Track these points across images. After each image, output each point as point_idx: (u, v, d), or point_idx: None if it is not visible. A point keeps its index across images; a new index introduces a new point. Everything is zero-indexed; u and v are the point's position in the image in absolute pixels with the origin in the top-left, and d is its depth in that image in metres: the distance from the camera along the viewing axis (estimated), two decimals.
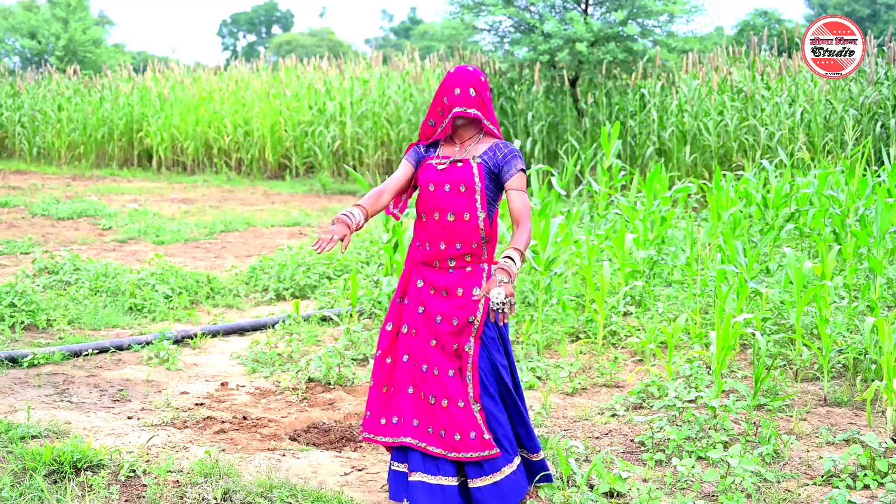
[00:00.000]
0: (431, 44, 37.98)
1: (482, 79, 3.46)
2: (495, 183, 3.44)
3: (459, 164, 3.43)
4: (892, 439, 4.00)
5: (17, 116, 17.61)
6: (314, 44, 46.17)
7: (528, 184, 11.90)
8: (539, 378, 5.11)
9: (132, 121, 16.59)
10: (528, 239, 3.32)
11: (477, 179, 3.40)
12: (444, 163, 3.45)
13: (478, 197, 3.40)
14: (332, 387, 4.97)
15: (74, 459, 3.69)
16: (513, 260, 3.22)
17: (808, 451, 4.00)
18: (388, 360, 3.54)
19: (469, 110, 3.40)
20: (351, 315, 6.05)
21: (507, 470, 3.40)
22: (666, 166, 11.66)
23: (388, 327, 3.56)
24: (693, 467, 3.72)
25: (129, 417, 4.49)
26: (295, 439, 4.25)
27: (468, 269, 3.43)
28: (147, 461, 3.85)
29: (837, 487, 3.61)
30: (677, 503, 3.47)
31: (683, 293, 6.17)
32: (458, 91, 3.41)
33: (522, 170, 3.40)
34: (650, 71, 12.54)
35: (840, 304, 5.54)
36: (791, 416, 4.44)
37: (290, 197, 13.20)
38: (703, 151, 11.85)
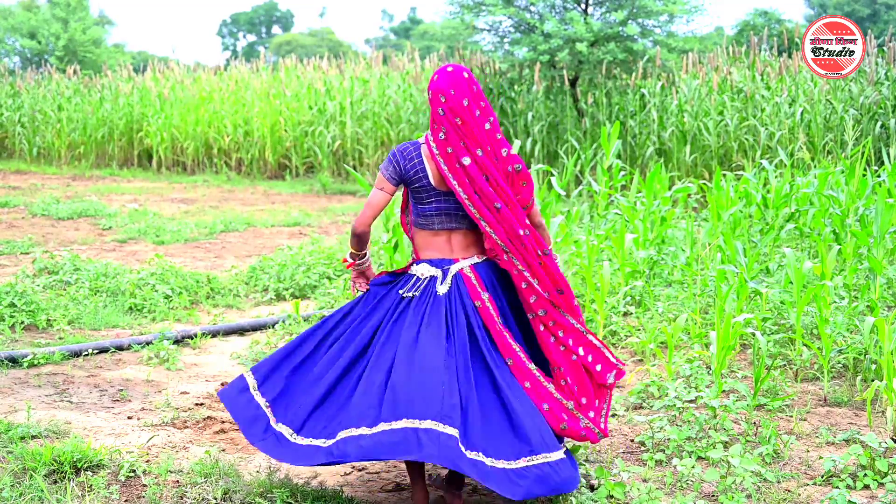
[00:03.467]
0: (431, 44, 37.99)
1: None
2: None
3: None
4: (892, 439, 4.00)
5: (17, 116, 17.58)
6: (314, 44, 46.20)
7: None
8: None
9: (132, 121, 16.57)
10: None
11: None
12: None
13: None
14: None
15: (74, 459, 3.69)
16: None
17: (808, 451, 4.00)
18: None
19: None
20: None
21: None
22: (666, 166, 11.65)
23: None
24: (693, 467, 3.72)
25: (129, 417, 4.50)
26: None
27: None
28: (147, 461, 3.85)
29: (837, 487, 3.61)
30: (677, 503, 3.47)
31: (683, 293, 6.17)
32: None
33: None
34: (650, 71, 12.53)
35: (840, 304, 5.53)
36: (791, 416, 4.44)
37: (290, 197, 13.20)
38: (703, 151, 11.85)
